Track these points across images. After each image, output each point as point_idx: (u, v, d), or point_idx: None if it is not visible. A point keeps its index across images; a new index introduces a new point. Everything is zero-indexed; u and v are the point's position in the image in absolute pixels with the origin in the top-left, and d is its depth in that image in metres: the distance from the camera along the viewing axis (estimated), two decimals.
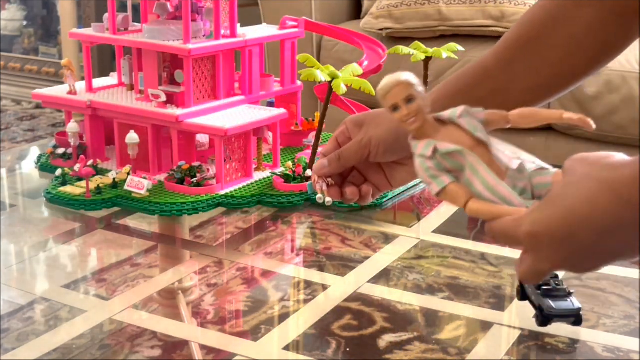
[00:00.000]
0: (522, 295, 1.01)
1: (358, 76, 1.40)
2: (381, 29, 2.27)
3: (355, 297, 1.06)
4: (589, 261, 0.65)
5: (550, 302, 0.94)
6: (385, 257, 1.18)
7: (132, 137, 1.37)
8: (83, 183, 1.36)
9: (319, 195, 0.86)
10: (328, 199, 0.86)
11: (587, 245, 0.64)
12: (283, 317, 1.02)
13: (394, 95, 0.75)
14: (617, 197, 0.62)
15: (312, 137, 1.51)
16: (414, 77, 0.74)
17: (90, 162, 1.42)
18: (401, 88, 0.74)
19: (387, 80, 0.74)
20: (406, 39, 2.15)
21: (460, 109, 0.75)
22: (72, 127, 1.46)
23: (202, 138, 1.50)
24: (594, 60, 0.83)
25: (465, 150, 0.74)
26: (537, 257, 0.67)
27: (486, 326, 0.99)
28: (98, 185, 1.35)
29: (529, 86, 0.84)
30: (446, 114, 0.76)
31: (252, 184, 1.40)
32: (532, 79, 0.84)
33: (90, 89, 1.50)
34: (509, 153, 0.76)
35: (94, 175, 1.37)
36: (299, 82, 1.61)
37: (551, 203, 0.67)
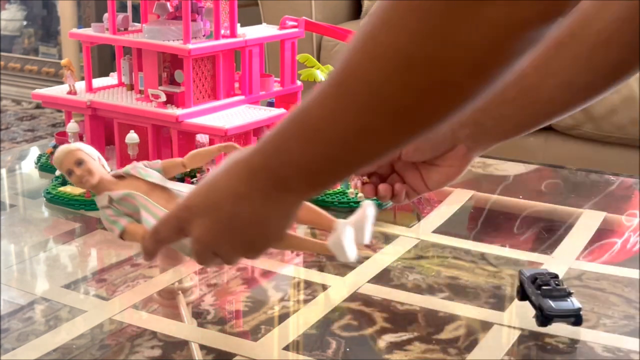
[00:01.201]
0: (522, 295, 1.01)
1: None
2: None
3: (355, 297, 1.06)
4: (240, 233, 0.71)
5: (550, 302, 0.94)
6: (385, 257, 1.18)
7: (132, 137, 1.37)
8: None
9: (351, 190, 0.90)
10: (360, 194, 0.92)
11: (229, 212, 0.70)
12: (283, 317, 1.02)
13: (66, 162, 0.91)
14: (248, 165, 0.69)
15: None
16: (83, 145, 0.91)
17: None
18: (70, 155, 0.90)
19: (58, 151, 0.90)
20: None
21: (133, 165, 0.90)
22: (72, 127, 1.46)
23: (202, 138, 1.50)
24: (624, 58, 0.82)
25: (134, 193, 0.87)
26: (193, 232, 0.73)
27: (486, 326, 0.99)
28: None
29: (561, 83, 0.85)
30: (121, 170, 0.90)
31: None
32: (564, 76, 0.85)
33: (90, 89, 1.50)
34: (186, 190, 0.89)
35: None
36: (299, 82, 1.61)
37: (199, 184, 0.75)
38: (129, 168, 0.90)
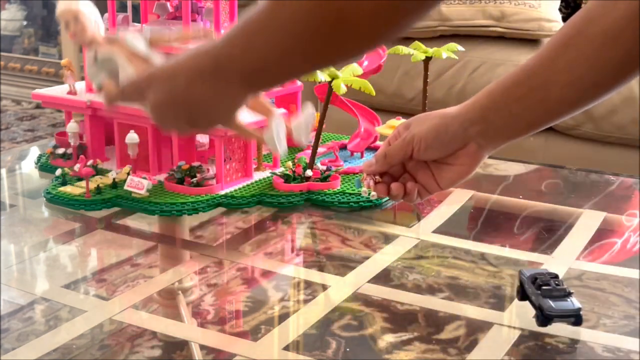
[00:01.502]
0: (522, 295, 1.01)
1: (358, 76, 1.40)
2: None
3: (355, 297, 1.06)
4: (187, 107, 0.81)
5: (550, 302, 0.95)
6: (385, 257, 1.19)
7: (132, 137, 1.37)
8: (83, 183, 1.36)
9: (364, 189, 0.93)
10: (373, 193, 0.94)
11: (181, 85, 0.80)
12: (283, 317, 1.02)
13: (65, 15, 1.06)
14: (208, 53, 0.78)
15: (312, 137, 1.51)
16: (85, 4, 1.07)
17: (90, 162, 1.42)
18: (69, 10, 1.06)
19: (60, 3, 1.04)
20: (406, 39, 2.14)
21: (124, 32, 1.01)
22: (72, 127, 1.46)
23: (202, 138, 1.50)
24: (631, 56, 0.83)
25: (117, 55, 0.94)
26: (149, 97, 0.83)
27: (486, 326, 0.99)
28: (98, 185, 1.35)
29: (569, 81, 0.85)
30: (113, 35, 0.99)
31: (252, 184, 1.40)
32: (571, 74, 0.85)
33: (90, 89, 1.50)
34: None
35: (94, 175, 1.37)
36: (299, 82, 1.61)
37: (167, 59, 0.87)
38: (120, 34, 0.98)
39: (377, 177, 0.94)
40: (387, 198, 0.96)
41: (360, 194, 1.35)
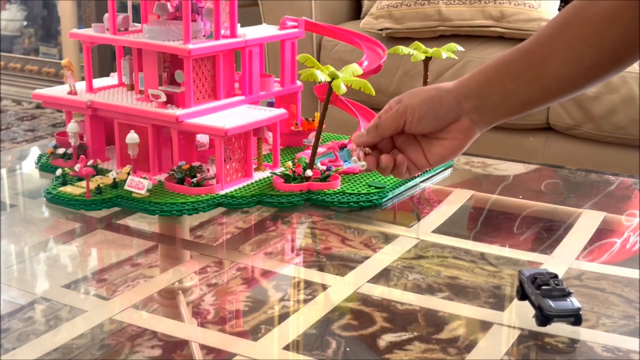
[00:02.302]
0: (522, 295, 1.01)
1: (358, 76, 1.40)
2: (381, 29, 2.27)
3: (355, 297, 1.06)
4: None
5: (549, 302, 0.95)
6: (385, 257, 1.19)
7: (132, 137, 1.38)
8: (83, 183, 1.36)
9: (353, 158, 0.92)
10: (362, 163, 0.93)
11: None
12: (283, 317, 1.02)
13: None
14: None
15: (312, 137, 1.52)
16: None
17: (90, 162, 1.42)
18: None
19: None
20: (406, 39, 2.15)
21: None
22: (72, 127, 1.46)
23: (202, 138, 1.50)
24: (628, 37, 0.83)
25: None
26: None
27: (486, 326, 0.99)
28: (98, 185, 1.35)
29: (566, 58, 0.86)
30: None
31: (252, 184, 1.40)
32: (569, 52, 0.86)
33: (90, 89, 1.50)
34: None
35: (94, 175, 1.37)
36: (299, 82, 1.61)
37: None
38: None
39: (367, 149, 0.94)
40: (379, 171, 0.96)
41: (359, 192, 1.36)
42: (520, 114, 0.91)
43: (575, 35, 0.85)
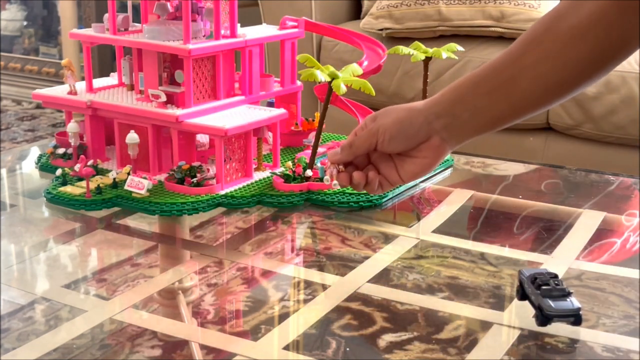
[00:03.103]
0: (522, 295, 1.01)
1: (358, 76, 1.40)
2: (381, 29, 2.27)
3: (355, 297, 1.06)
4: None
5: (549, 302, 0.95)
6: (385, 257, 1.19)
7: (132, 137, 1.38)
8: (83, 183, 1.36)
9: (326, 177, 0.96)
10: (335, 182, 0.96)
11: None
12: (283, 317, 1.02)
13: None
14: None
15: (312, 137, 1.52)
16: None
17: (90, 162, 1.42)
18: None
19: None
20: (406, 39, 2.15)
21: None
22: (72, 127, 1.46)
23: (202, 138, 1.50)
24: (597, 54, 0.84)
25: None
26: None
27: (486, 326, 0.99)
28: (98, 185, 1.35)
29: (535, 76, 0.87)
30: None
31: (252, 184, 1.40)
32: (538, 69, 0.86)
33: (90, 89, 1.50)
34: None
35: (94, 175, 1.37)
36: (299, 82, 1.61)
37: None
38: None
39: (340, 166, 0.97)
40: (352, 187, 0.98)
41: (359, 192, 1.36)
42: (490, 131, 0.93)
43: (544, 52, 0.86)
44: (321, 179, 1.38)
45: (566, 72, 0.86)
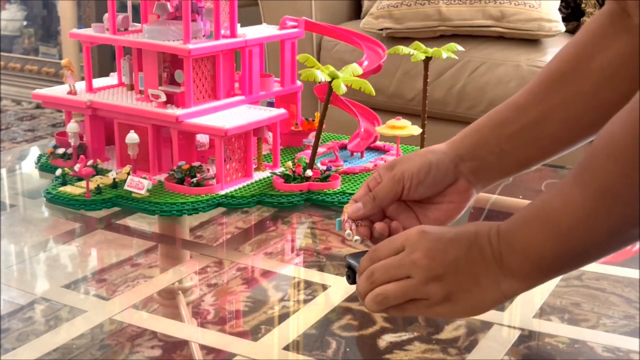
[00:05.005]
0: (352, 279, 0.94)
1: (358, 76, 1.40)
2: (381, 29, 2.27)
3: (355, 297, 1.06)
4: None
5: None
6: None
7: (132, 137, 1.38)
8: (83, 183, 1.36)
9: (347, 232, 0.87)
10: (357, 237, 0.87)
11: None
12: (283, 317, 1.02)
13: None
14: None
15: (312, 137, 1.51)
16: None
17: (90, 162, 1.42)
18: None
19: None
20: (406, 39, 2.15)
21: None
22: (72, 127, 1.46)
23: (202, 138, 1.50)
24: (629, 93, 0.81)
25: None
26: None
27: (486, 326, 0.99)
28: (98, 185, 1.35)
29: (565, 118, 0.83)
30: None
31: (252, 184, 1.40)
32: (568, 111, 0.83)
33: (90, 89, 1.50)
34: None
35: (94, 175, 1.37)
36: (299, 82, 1.61)
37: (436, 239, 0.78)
38: None
39: (359, 221, 0.88)
40: (372, 241, 0.90)
41: None
42: (517, 173, 0.88)
43: (574, 94, 0.82)
44: (321, 180, 1.38)
45: (598, 114, 0.81)
